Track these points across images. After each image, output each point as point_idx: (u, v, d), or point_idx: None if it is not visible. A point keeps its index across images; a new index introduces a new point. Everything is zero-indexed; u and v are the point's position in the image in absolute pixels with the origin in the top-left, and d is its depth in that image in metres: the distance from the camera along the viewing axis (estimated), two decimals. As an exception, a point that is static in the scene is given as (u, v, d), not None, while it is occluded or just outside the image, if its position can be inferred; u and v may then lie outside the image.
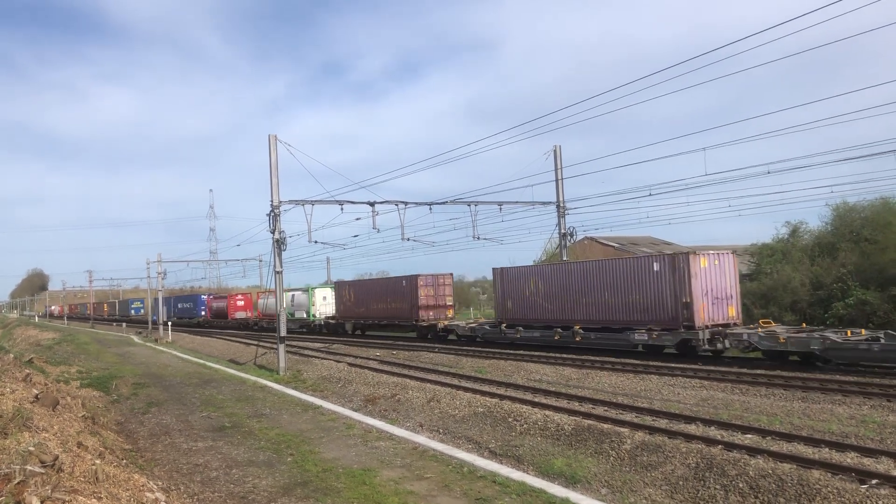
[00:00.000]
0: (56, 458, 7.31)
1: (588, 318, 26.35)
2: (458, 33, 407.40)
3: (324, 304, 49.72)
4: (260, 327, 56.33)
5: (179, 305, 79.67)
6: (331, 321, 47.90)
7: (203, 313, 72.20)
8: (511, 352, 28.29)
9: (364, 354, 31.50)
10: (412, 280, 38.27)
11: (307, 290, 51.02)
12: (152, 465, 11.99)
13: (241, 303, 64.59)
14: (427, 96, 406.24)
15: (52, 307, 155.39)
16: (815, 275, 30.31)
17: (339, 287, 47.57)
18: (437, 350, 31.42)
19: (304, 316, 50.56)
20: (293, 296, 52.45)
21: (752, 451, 11.12)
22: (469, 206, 31.56)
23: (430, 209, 31.09)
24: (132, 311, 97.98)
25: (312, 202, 28.45)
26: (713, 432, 12.86)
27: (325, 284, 54.14)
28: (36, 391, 14.02)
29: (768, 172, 23.60)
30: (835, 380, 17.77)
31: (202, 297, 74.75)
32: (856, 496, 8.98)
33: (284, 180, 27.36)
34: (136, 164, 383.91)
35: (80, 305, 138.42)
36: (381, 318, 41.60)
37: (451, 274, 39.76)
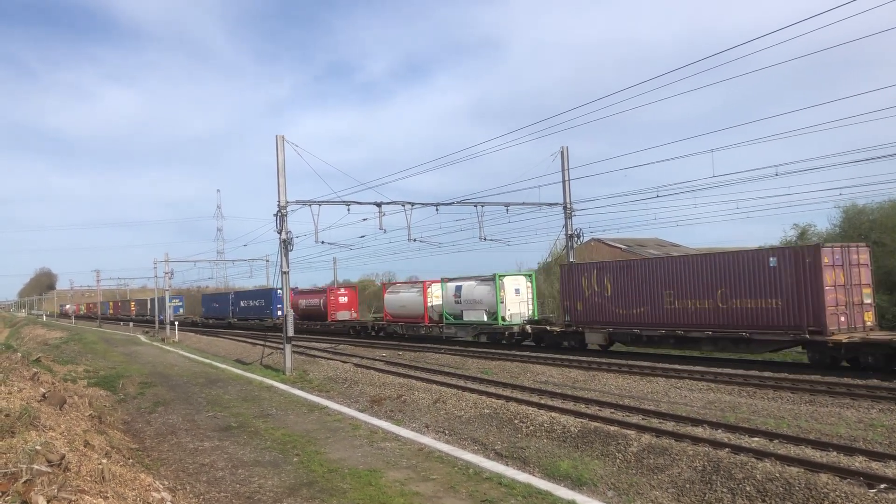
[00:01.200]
0: (63, 457, 7.33)
1: None
2: (464, 33, 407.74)
3: (517, 301, 32.57)
4: (391, 332, 41.11)
5: (242, 304, 62.91)
6: (547, 329, 29.89)
7: (281, 314, 58.72)
8: (517, 353, 28.26)
9: (370, 355, 31.51)
10: (801, 254, 20.54)
11: (493, 279, 32.95)
12: (158, 464, 12.02)
13: (344, 299, 49.05)
14: (433, 97, 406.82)
15: (67, 306, 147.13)
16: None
17: (576, 272, 28.49)
18: (442, 351, 31.40)
19: (484, 319, 33.19)
20: (458, 287, 35.10)
21: (760, 455, 11.05)
22: (475, 206, 31.54)
23: (437, 210, 31.11)
24: (169, 311, 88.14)
25: (319, 203, 28.48)
26: (720, 435, 12.80)
27: (516, 271, 37.47)
28: (43, 390, 14.06)
29: (776, 174, 23.48)
30: (843, 383, 17.66)
31: (278, 291, 55.72)
32: (864, 500, 8.91)
33: (291, 181, 27.58)
34: (142, 164, 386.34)
35: (102, 304, 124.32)
36: (694, 326, 23.38)
37: (868, 246, 22.25)
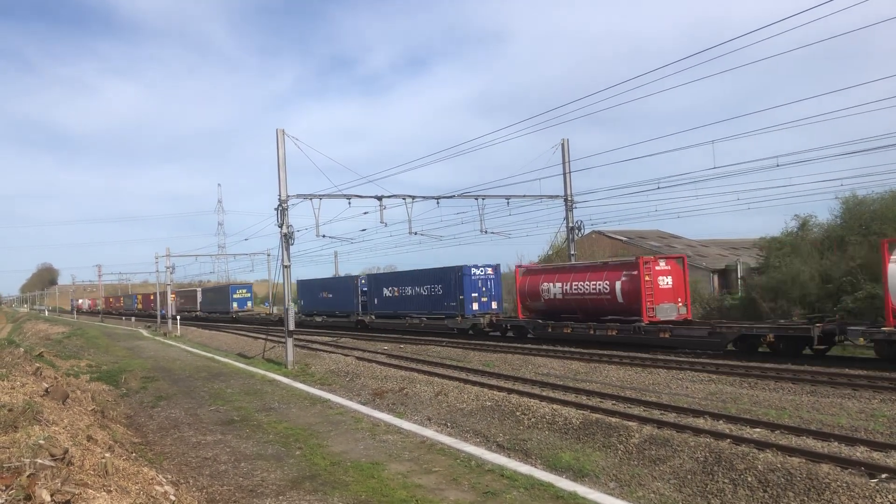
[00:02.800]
0: (66, 451, 7.35)
1: None
2: (466, 26, 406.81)
3: None
4: None
5: (389, 292, 40.60)
6: None
7: (477, 307, 33.93)
8: (518, 346, 28.28)
9: (372, 348, 31.56)
10: None
11: None
12: (161, 458, 12.05)
13: (667, 280, 26.12)
14: (435, 89, 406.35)
15: (80, 300, 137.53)
16: (824, 268, 30.10)
17: None
18: (444, 344, 31.43)
19: None
20: None
21: (761, 445, 11.07)
22: (476, 199, 31.51)
23: (438, 203, 31.07)
24: (234, 305, 63.37)
25: (320, 196, 28.48)
26: (722, 426, 12.82)
27: None
28: (46, 385, 14.10)
29: (777, 165, 23.42)
30: (844, 373, 17.68)
31: (473, 272, 34.19)
32: (865, 490, 8.93)
33: (292, 175, 27.47)
34: (144, 159, 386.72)
35: (126, 297, 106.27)
36: None
37: None
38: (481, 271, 34.48)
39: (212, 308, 68.85)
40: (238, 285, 66.22)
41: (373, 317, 42.18)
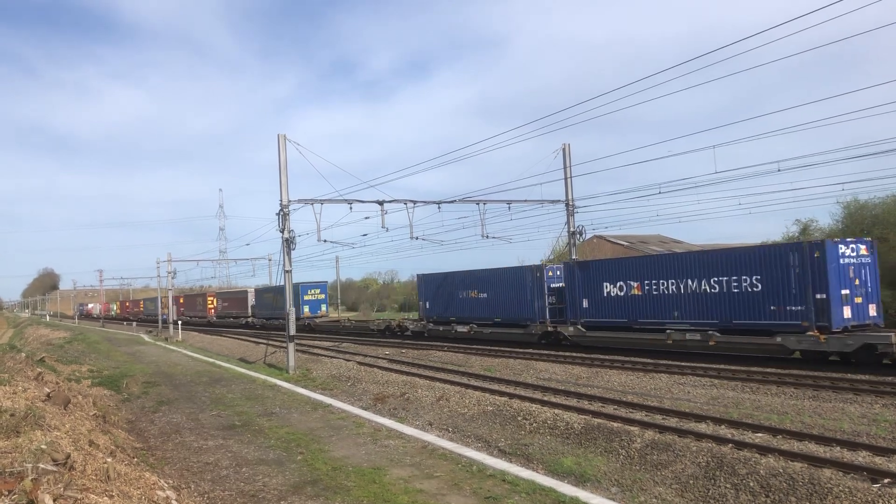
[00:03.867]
0: (68, 456, 7.36)
1: None
2: (468, 31, 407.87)
3: None
4: None
5: (721, 284, 22.15)
6: None
7: (850, 317, 19.63)
8: (520, 350, 28.26)
9: (373, 353, 31.55)
10: None
11: None
12: (163, 463, 12.05)
13: None
14: (436, 94, 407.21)
15: (90, 305, 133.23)
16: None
17: None
18: (445, 349, 31.42)
19: None
20: None
21: (763, 450, 11.07)
22: (478, 204, 31.52)
23: (439, 208, 31.08)
24: (305, 308, 50.66)
25: (321, 201, 28.50)
26: (723, 431, 12.81)
27: None
28: (48, 390, 14.11)
29: (779, 170, 23.50)
30: (846, 378, 17.66)
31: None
32: (868, 495, 8.92)
33: (293, 179, 27.23)
34: (145, 163, 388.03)
35: (148, 301, 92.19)
36: None
37: None
38: (851, 250, 20.44)
39: (271, 314, 53.77)
40: (310, 284, 51.57)
41: (580, 327, 28.08)
